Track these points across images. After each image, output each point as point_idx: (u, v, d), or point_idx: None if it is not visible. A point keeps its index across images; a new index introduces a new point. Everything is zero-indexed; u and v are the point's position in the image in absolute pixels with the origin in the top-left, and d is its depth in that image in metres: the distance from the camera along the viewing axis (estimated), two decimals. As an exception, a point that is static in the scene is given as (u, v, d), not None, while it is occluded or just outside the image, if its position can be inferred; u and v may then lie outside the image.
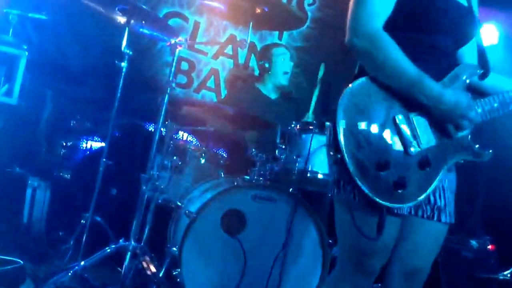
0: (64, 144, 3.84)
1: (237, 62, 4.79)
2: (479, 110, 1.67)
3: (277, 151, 2.87)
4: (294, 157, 2.77)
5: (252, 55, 4.81)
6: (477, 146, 1.68)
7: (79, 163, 3.86)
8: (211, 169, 3.18)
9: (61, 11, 3.75)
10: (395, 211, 1.62)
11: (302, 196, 2.79)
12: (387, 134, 1.59)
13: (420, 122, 1.63)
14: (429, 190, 1.62)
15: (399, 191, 1.56)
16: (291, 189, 2.82)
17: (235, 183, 2.78)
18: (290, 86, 4.59)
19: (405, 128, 1.60)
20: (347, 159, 1.55)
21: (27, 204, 3.21)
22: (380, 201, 1.56)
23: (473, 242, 3.87)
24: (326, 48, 4.85)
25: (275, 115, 3.40)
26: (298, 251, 2.74)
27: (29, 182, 3.23)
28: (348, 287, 1.75)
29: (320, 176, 2.76)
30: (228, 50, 4.77)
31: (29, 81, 3.25)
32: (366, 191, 1.55)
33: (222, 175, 3.05)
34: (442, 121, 1.63)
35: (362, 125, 1.58)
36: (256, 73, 4.06)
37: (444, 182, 1.73)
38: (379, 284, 2.95)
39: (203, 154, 3.19)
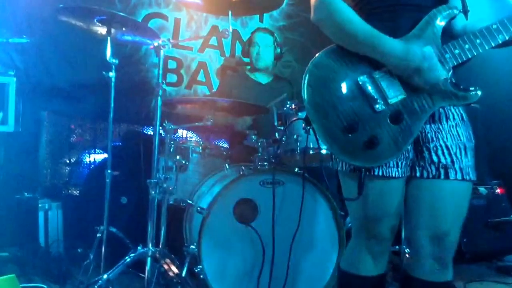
0: (68, 161, 3.86)
1: (224, 52, 4.78)
2: (447, 56, 1.57)
3: (276, 134, 2.87)
4: (295, 137, 2.76)
5: (237, 42, 4.80)
6: (460, 89, 1.57)
7: (86, 177, 3.88)
8: (216, 162, 3.20)
9: (41, 32, 3.73)
10: (378, 172, 1.62)
11: (309, 173, 2.81)
12: (351, 97, 1.60)
13: (384, 78, 1.61)
14: (409, 143, 1.60)
15: (372, 150, 1.56)
16: (296, 169, 2.83)
17: (241, 172, 2.79)
18: (280, 67, 4.58)
19: (369, 87, 1.60)
20: (317, 128, 1.61)
21: (41, 227, 3.23)
22: (355, 163, 1.60)
23: (482, 189, 3.89)
24: (310, 22, 4.81)
25: (270, 99, 3.40)
26: (313, 229, 2.76)
27: (40, 205, 3.26)
28: (365, 253, 1.77)
29: (323, 151, 2.76)
30: (213, 41, 4.75)
31: (22, 106, 3.27)
32: (340, 155, 1.61)
33: (227, 166, 3.07)
34: (403, 77, 1.59)
35: (326, 94, 1.61)
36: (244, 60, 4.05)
37: (446, 139, 1.67)
38: (397, 247, 3.01)
39: (205, 149, 3.21)
